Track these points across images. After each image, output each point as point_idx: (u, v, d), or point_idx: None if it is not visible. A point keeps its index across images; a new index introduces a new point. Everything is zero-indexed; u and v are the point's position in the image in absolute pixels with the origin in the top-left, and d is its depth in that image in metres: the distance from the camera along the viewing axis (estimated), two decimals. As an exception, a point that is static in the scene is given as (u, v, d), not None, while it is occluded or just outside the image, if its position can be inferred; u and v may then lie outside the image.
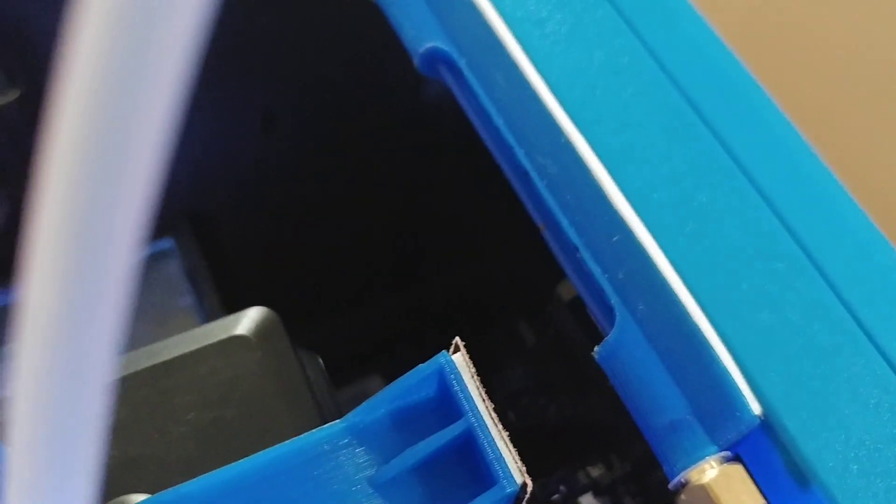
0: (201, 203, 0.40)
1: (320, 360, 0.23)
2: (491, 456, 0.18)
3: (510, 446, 0.19)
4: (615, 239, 0.21)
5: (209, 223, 0.40)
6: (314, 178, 0.43)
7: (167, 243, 0.37)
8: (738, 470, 0.19)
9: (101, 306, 0.11)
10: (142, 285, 0.36)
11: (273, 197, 0.42)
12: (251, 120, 0.39)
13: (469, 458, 0.19)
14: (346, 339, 0.47)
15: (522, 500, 0.19)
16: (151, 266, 0.37)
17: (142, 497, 0.20)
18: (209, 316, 0.34)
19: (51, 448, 0.12)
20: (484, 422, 0.19)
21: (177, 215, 0.38)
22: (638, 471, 0.25)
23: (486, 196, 0.44)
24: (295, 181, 0.42)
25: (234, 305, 0.24)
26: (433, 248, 0.47)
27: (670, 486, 0.20)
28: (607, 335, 0.21)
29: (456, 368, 0.20)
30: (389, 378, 0.20)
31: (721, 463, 0.19)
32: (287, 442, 0.19)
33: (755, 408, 0.19)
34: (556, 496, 0.24)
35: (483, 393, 0.19)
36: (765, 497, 0.19)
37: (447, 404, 0.20)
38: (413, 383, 0.20)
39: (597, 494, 0.25)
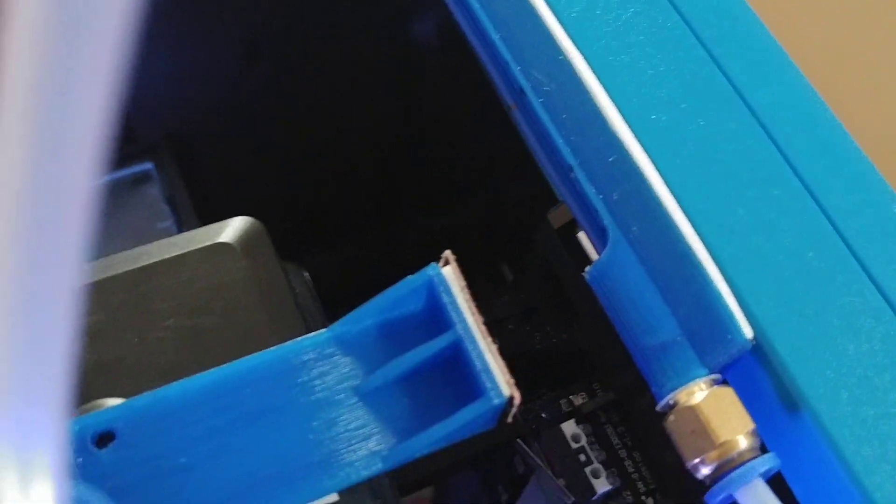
0: (182, 128, 0.39)
1: (306, 273, 0.22)
2: (479, 367, 0.18)
3: (499, 359, 0.18)
4: (611, 159, 0.21)
5: (190, 148, 0.39)
6: (298, 109, 0.42)
7: (146, 166, 0.36)
8: (728, 393, 0.19)
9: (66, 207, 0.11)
10: (121, 208, 0.35)
11: (256, 125, 0.41)
12: (234, 48, 0.38)
13: (456, 371, 0.19)
14: (325, 276, 0.47)
15: (509, 414, 0.18)
16: (131, 189, 0.36)
17: (118, 401, 0.19)
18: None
19: (22, 349, 0.11)
20: (472, 334, 0.18)
21: (157, 139, 0.38)
22: (620, 399, 0.25)
23: (468, 139, 0.43)
24: (278, 111, 0.41)
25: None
26: (417, 188, 0.46)
27: (658, 407, 0.20)
28: (599, 256, 0.21)
29: (445, 280, 0.19)
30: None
31: (711, 385, 0.19)
32: (271, 349, 0.19)
33: (747, 331, 0.19)
34: (537, 423, 0.24)
35: (473, 306, 0.19)
36: (753, 421, 0.19)
37: (435, 317, 0.19)
38: (401, 295, 0.19)
39: (578, 422, 0.24)
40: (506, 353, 0.20)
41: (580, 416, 0.24)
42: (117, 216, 0.34)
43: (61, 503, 0.11)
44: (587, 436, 0.24)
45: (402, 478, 0.21)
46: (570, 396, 0.25)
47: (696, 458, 0.19)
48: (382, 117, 0.44)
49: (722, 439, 0.19)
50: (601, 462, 0.24)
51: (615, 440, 0.24)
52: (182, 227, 0.34)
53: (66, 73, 0.10)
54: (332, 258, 0.45)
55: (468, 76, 0.40)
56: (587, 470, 0.24)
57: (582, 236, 0.25)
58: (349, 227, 0.46)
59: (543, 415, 0.24)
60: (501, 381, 0.18)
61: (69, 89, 0.10)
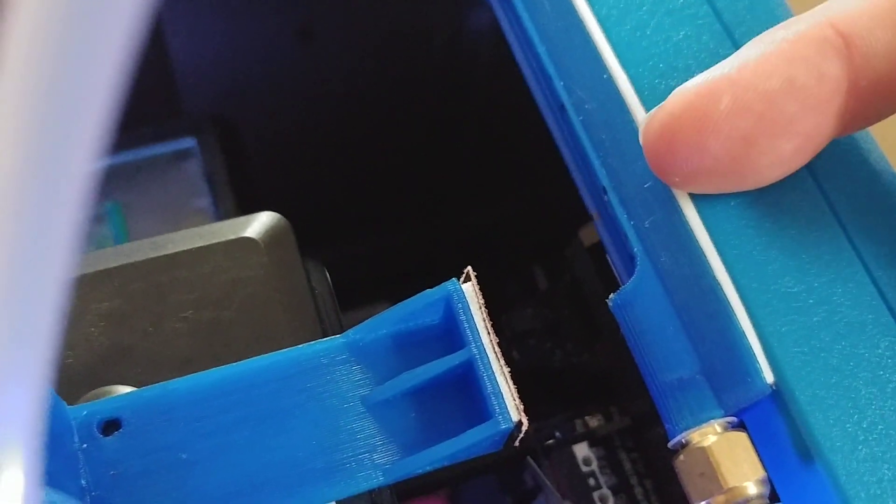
0: (228, 107, 0.39)
1: (327, 274, 0.22)
2: (489, 390, 0.18)
3: (510, 383, 0.18)
4: (647, 185, 0.20)
5: (234, 128, 0.39)
6: (346, 97, 0.42)
7: (189, 143, 0.37)
8: (741, 438, 0.19)
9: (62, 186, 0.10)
10: (158, 182, 0.35)
11: (302, 110, 0.41)
12: (287, 31, 0.38)
13: (466, 390, 0.19)
14: (355, 265, 0.47)
15: (516, 439, 0.18)
16: (170, 164, 0.36)
17: (127, 389, 0.19)
18: (223, 219, 0.33)
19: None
20: (486, 354, 0.18)
21: (202, 116, 0.38)
22: (636, 426, 0.25)
23: (513, 137, 0.43)
24: (326, 98, 0.41)
25: (250, 212, 0.24)
26: (454, 185, 0.46)
27: (670, 444, 0.19)
28: (625, 283, 0.20)
29: (464, 297, 0.19)
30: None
31: (725, 428, 0.19)
32: (284, 350, 0.19)
33: (768, 376, 0.19)
34: (549, 441, 0.24)
35: (489, 326, 0.19)
36: (765, 468, 0.19)
37: (451, 333, 0.19)
38: (418, 307, 0.19)
39: (592, 445, 0.24)
40: (524, 368, 0.20)
41: (594, 439, 0.24)
42: (154, 190, 0.35)
43: (30, 496, 0.11)
44: (599, 459, 0.24)
45: (403, 483, 0.20)
46: (586, 417, 0.24)
47: (702, 500, 0.18)
48: (427, 110, 0.43)
49: (730, 484, 0.18)
50: (610, 487, 0.24)
51: (627, 466, 0.24)
52: (218, 206, 0.34)
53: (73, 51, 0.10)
54: (361, 247, 0.45)
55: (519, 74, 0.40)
56: (595, 494, 0.23)
57: (612, 257, 0.25)
58: (381, 219, 0.46)
59: (557, 433, 0.24)
60: (511, 405, 0.18)
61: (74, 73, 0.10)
